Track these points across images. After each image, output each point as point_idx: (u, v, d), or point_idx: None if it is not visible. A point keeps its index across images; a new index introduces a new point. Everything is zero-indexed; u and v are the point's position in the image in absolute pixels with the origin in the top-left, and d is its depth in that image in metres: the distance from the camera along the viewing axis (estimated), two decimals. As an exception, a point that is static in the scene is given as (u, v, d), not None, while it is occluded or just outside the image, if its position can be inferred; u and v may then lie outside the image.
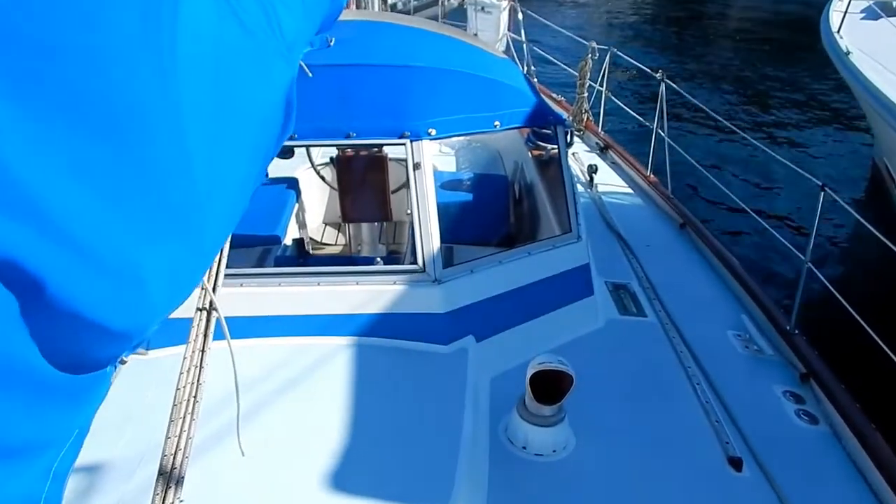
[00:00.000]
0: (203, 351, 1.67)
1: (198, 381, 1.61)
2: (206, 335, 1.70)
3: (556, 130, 3.65)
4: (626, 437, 2.62)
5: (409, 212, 3.03)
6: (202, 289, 1.74)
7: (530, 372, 2.38)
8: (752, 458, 2.59)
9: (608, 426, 2.67)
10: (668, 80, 5.22)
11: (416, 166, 3.03)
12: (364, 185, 4.33)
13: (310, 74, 2.98)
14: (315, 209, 5.28)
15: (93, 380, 0.96)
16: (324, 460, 2.24)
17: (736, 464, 2.51)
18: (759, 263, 4.85)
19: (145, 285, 0.93)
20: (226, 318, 2.83)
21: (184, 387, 1.59)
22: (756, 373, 3.18)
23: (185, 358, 1.65)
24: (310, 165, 4.94)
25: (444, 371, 2.71)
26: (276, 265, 3.69)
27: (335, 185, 4.58)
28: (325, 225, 5.36)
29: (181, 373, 1.61)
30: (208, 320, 1.73)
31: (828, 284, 3.44)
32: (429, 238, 2.96)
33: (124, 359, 1.05)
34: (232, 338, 2.78)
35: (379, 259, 3.08)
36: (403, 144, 3.06)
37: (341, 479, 2.19)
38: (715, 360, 3.15)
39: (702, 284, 4.00)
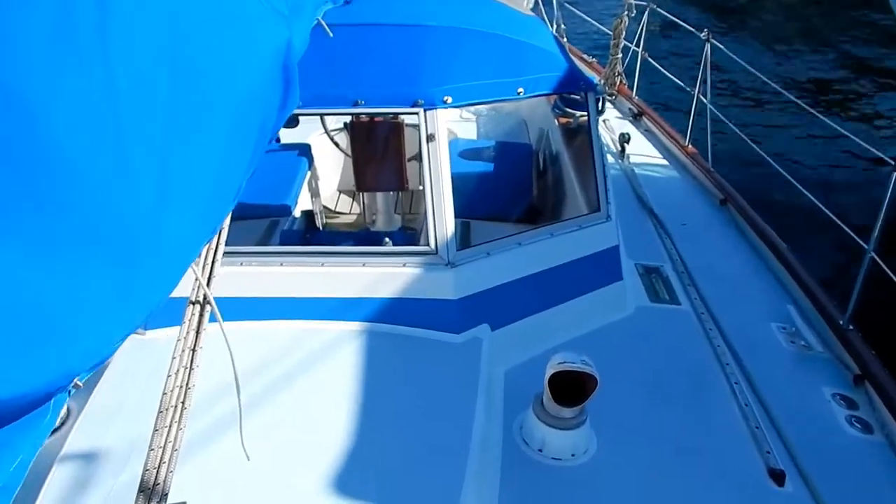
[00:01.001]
0: (194, 350, 1.64)
1: (186, 384, 1.58)
2: (197, 332, 1.67)
3: (587, 97, 3.55)
4: (653, 441, 2.56)
5: (421, 187, 2.97)
6: (195, 280, 1.70)
7: (550, 372, 2.32)
8: (797, 470, 2.52)
9: (633, 429, 2.62)
10: (714, 41, 5.05)
11: (430, 138, 2.95)
12: (379, 153, 4.28)
13: (330, 34, 2.89)
14: (329, 177, 5.25)
15: (17, 430, 0.85)
16: (323, 457, 2.22)
17: (778, 477, 2.45)
18: (809, 248, 4.66)
19: (64, 331, 0.83)
20: (224, 298, 2.83)
21: (171, 391, 1.55)
22: (803, 372, 3.10)
23: (173, 358, 1.61)
24: (323, 131, 4.91)
25: (456, 362, 2.67)
26: (283, 240, 3.66)
27: (349, 153, 4.55)
28: (340, 193, 5.33)
29: (168, 375, 1.58)
30: (201, 315, 1.69)
31: (893, 277, 3.31)
32: (442, 218, 2.90)
33: (78, 383, 0.95)
34: (229, 320, 2.78)
35: (388, 239, 3.03)
36: (416, 114, 2.98)
37: (341, 478, 2.16)
38: (756, 357, 3.07)
39: (743, 269, 3.91)
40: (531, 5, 7.98)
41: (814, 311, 3.48)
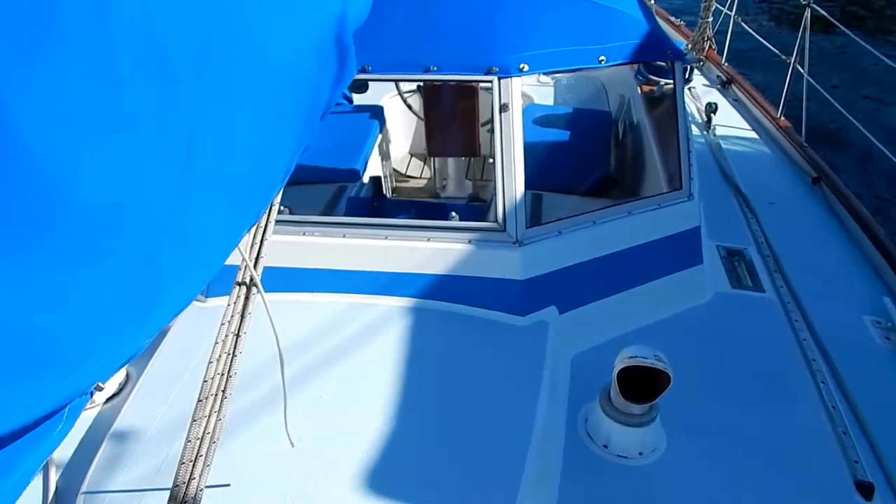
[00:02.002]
0: (238, 335, 1.51)
1: (228, 372, 1.45)
2: (242, 317, 1.53)
3: (674, 67, 3.23)
4: (727, 442, 2.32)
5: (492, 160, 2.75)
6: (242, 260, 1.56)
7: (619, 366, 2.10)
8: (888, 484, 2.24)
9: (707, 427, 2.38)
10: (815, 6, 4.54)
11: (504, 108, 2.72)
12: (452, 117, 4.10)
13: None
14: (400, 139, 5.10)
15: (28, 441, 0.74)
16: (370, 442, 2.09)
17: (866, 490, 2.17)
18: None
19: (80, 345, 0.71)
20: (284, 268, 2.72)
21: (211, 378, 1.43)
22: None
23: (216, 343, 1.49)
24: (396, 93, 4.73)
25: (520, 346, 2.48)
26: (349, 208, 3.53)
27: (422, 115, 4.38)
28: (411, 156, 5.17)
29: (210, 361, 1.45)
30: (247, 299, 1.55)
31: None
32: (512, 193, 2.68)
33: (101, 385, 0.82)
34: (289, 290, 2.67)
35: (454, 214, 2.84)
36: (490, 82, 2.75)
37: (388, 466, 2.03)
38: (846, 354, 2.75)
39: (835, 255, 3.53)
40: None
41: None
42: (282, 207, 2.92)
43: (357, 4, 1.55)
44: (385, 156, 4.59)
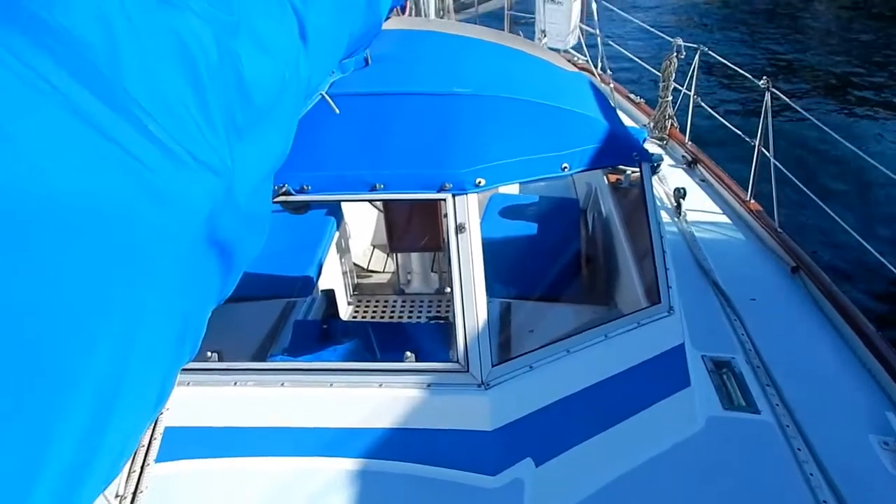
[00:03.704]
0: None
1: None
2: None
3: (642, 168, 2.92)
4: None
5: (448, 290, 2.37)
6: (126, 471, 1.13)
7: None
8: None
9: None
10: (775, 90, 4.33)
11: (460, 228, 2.36)
12: (413, 212, 3.76)
13: (336, 111, 2.39)
14: (361, 231, 4.74)
15: None
16: None
17: None
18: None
19: None
20: (213, 427, 2.26)
21: None
22: None
23: None
24: None
25: None
26: (295, 335, 3.09)
27: (381, 208, 4.06)
28: (374, 248, 4.79)
29: None
30: None
31: None
32: (474, 327, 2.29)
33: None
34: (213, 456, 2.20)
35: (409, 354, 2.43)
36: (443, 200, 2.40)
37: None
38: (859, 490, 2.36)
39: (828, 360, 3.16)
40: (575, 42, 7.40)
41: None
42: (209, 353, 2.49)
43: (258, 166, 1.18)
44: (344, 252, 4.21)
